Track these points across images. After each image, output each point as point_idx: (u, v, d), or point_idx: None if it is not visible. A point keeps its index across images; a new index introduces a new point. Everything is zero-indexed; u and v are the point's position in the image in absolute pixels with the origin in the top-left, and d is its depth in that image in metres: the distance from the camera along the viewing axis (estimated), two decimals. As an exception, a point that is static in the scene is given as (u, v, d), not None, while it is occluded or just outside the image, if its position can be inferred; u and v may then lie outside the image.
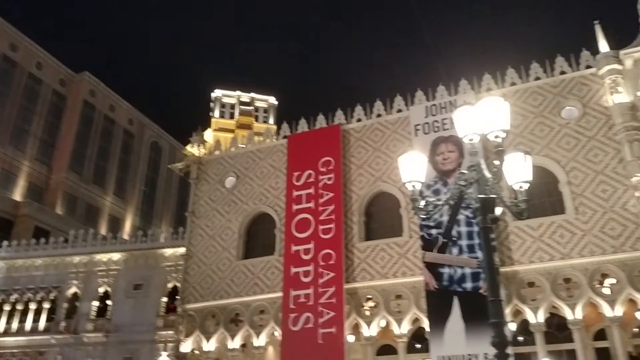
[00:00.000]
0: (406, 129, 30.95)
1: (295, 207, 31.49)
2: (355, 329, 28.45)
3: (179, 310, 32.80)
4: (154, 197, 72.96)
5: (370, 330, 27.83)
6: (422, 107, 30.82)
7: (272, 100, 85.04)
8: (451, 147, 28.14)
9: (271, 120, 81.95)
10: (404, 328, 27.22)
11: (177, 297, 34.47)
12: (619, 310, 23.63)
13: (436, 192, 26.18)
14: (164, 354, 34.34)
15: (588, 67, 28.15)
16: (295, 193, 31.83)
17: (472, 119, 8.25)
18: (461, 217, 26.29)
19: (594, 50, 28.16)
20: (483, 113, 8.05)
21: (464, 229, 26.20)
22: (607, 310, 23.81)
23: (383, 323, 27.90)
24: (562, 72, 28.78)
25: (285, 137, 34.86)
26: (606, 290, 24.18)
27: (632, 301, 23.82)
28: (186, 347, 31.42)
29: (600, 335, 25.06)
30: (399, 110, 32.16)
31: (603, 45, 27.76)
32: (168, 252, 37.44)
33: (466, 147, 8.71)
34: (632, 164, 24.94)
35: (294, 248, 30.42)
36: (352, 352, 27.98)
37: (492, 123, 7.93)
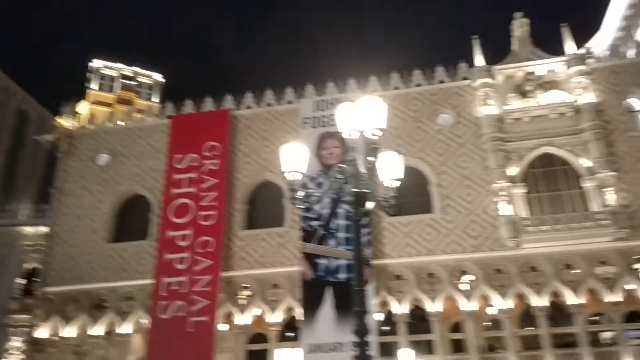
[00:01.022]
0: (295, 121, 31.21)
1: (174, 190, 30.38)
2: (228, 317, 28.21)
3: (37, 293, 30.21)
4: (16, 169, 66.32)
5: (243, 319, 27.77)
6: (311, 101, 31.26)
7: (158, 77, 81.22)
8: (336, 142, 28.86)
9: (155, 99, 78.15)
10: (277, 317, 27.53)
11: (35, 279, 31.71)
12: (474, 305, 25.90)
13: (319, 185, 26.72)
14: (16, 339, 31.45)
15: (464, 78, 30.39)
16: (176, 176, 30.71)
17: (352, 116, 8.47)
18: (341, 210, 27.13)
19: (471, 63, 30.44)
20: (362, 111, 8.29)
21: (342, 222, 27.04)
22: (463, 304, 25.99)
23: (257, 312, 27.97)
24: (441, 81, 30.81)
25: (169, 117, 33.46)
26: (464, 286, 26.37)
27: (485, 297, 26.22)
28: (42, 332, 29.05)
29: (456, 327, 27.28)
30: (290, 102, 32.35)
31: (479, 60, 30.11)
32: (28, 230, 34.27)
33: (346, 142, 8.93)
34: (495, 171, 27.39)
35: (169, 234, 29.34)
36: (223, 341, 27.71)
37: (370, 121, 8.19)
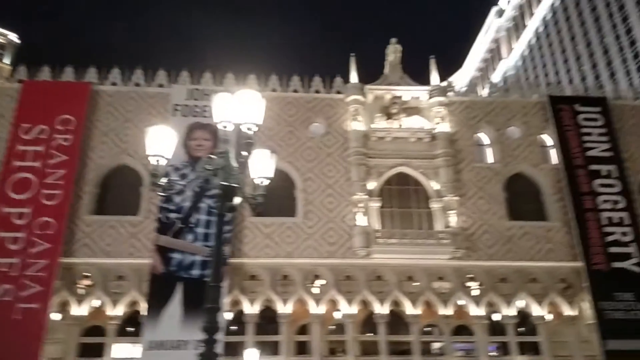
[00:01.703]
0: (165, 106, 29.81)
1: (16, 163, 27.23)
2: (64, 307, 25.88)
3: None
4: None
5: (80, 310, 25.67)
6: (185, 88, 30.12)
7: (13, 37, 72.68)
8: (207, 135, 28.11)
9: (7, 60, 69.77)
10: (118, 310, 25.87)
11: None
12: (322, 309, 26.75)
13: (183, 177, 25.68)
14: None
15: (339, 92, 31.51)
16: (20, 148, 27.57)
17: (229, 107, 8.25)
18: (203, 205, 26.37)
19: (347, 79, 31.65)
20: (240, 103, 8.13)
21: (203, 217, 26.30)
22: (312, 307, 26.72)
23: (97, 303, 26.04)
24: (317, 91, 31.62)
25: (20, 81, 29.99)
26: (315, 290, 27.12)
27: (333, 302, 27.23)
28: None
29: (303, 329, 27.92)
30: (161, 85, 30.87)
31: (353, 77, 31.44)
32: None
33: (220, 134, 8.67)
34: (356, 184, 28.70)
35: (4, 209, 26.19)
36: (54, 332, 25.31)
37: (247, 115, 8.06)
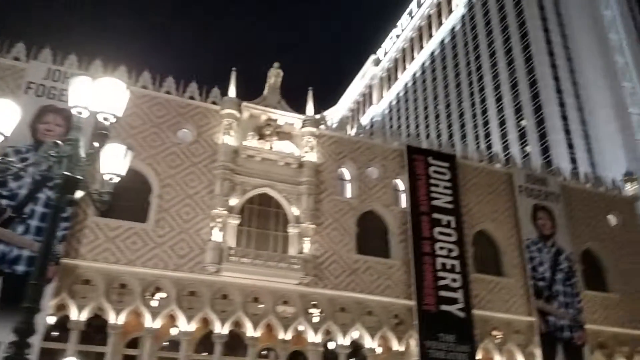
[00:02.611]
0: (16, 82, 26.85)
1: None
2: None
3: None
4: None
5: None
6: (45, 66, 27.45)
7: None
8: (60, 120, 25.77)
9: None
10: None
11: None
12: (158, 323, 25.43)
13: (24, 161, 23.12)
14: None
15: (214, 103, 30.97)
16: None
17: (87, 92, 7.63)
18: (42, 196, 23.96)
19: (225, 92, 31.26)
20: (101, 91, 7.56)
21: (40, 208, 23.84)
22: (148, 320, 25.28)
23: None
24: (191, 97, 30.77)
25: None
26: (154, 303, 25.75)
27: (172, 316, 26.08)
28: None
29: (133, 343, 26.25)
30: (17, 59, 27.82)
31: (232, 91, 31.18)
32: None
33: (73, 121, 7.95)
34: (218, 198, 28.16)
35: None
36: None
37: (106, 104, 7.50)
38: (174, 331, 26.36)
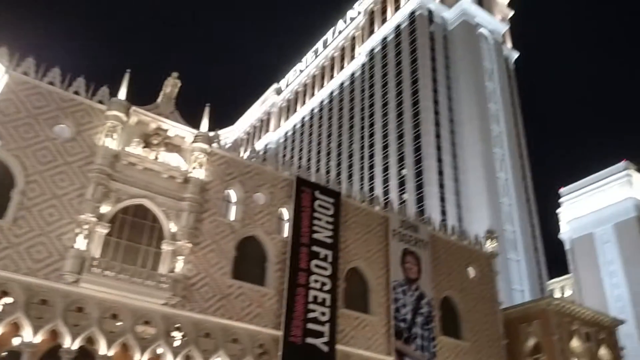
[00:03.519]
0: None
1: None
2: None
3: None
4: None
5: None
6: None
7: None
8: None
9: None
10: None
11: None
12: (-2, 331, 22.79)
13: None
14: None
15: (101, 102, 29.20)
16: None
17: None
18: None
19: (115, 92, 29.63)
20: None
21: None
22: (-15, 328, 22.54)
23: None
24: (76, 92, 28.79)
25: None
26: (-3, 308, 23.08)
27: (16, 325, 23.51)
28: None
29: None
30: None
31: (123, 93, 29.66)
32: None
33: None
34: (88, 203, 26.25)
35: None
36: None
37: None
38: (16, 341, 23.72)
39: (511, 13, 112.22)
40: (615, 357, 44.64)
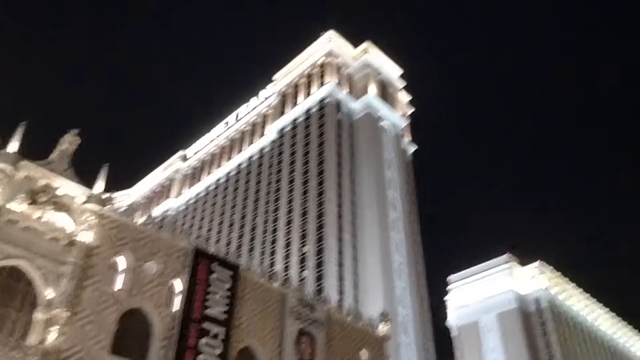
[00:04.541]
0: None
1: None
2: None
3: None
4: None
5: None
6: None
7: None
8: None
9: None
10: None
11: None
12: None
13: None
14: None
15: (-13, 152, 27.04)
16: None
17: None
18: None
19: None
20: None
21: None
22: None
23: None
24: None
25: None
26: None
27: None
28: None
29: None
30: None
31: (14, 145, 27.75)
32: None
33: None
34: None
35: None
36: None
37: None
38: None
39: (411, 110, 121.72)
40: None
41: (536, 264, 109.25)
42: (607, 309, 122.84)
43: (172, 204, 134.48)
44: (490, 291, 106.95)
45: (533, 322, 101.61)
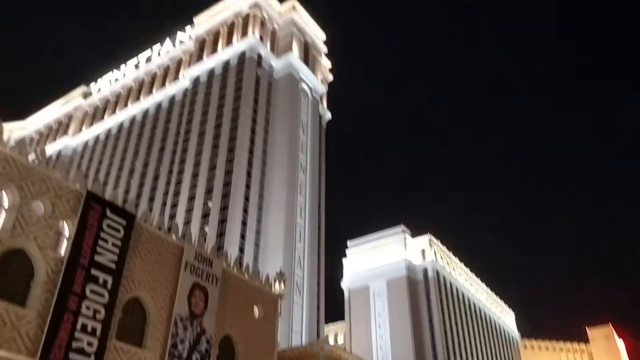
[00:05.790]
0: None
1: None
2: None
3: None
4: None
5: None
6: None
7: None
8: None
9: None
10: None
11: None
12: None
13: None
14: None
15: None
16: None
17: None
18: None
19: None
20: None
21: None
22: None
23: None
24: None
25: None
26: None
27: None
28: None
29: None
30: None
31: None
32: None
33: None
34: None
35: None
36: None
37: None
38: None
39: (331, 78, 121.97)
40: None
41: (426, 236, 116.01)
42: (484, 284, 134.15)
43: (68, 142, 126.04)
44: (383, 259, 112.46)
45: (419, 289, 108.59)
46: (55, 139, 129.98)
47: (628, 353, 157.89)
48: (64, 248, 30.04)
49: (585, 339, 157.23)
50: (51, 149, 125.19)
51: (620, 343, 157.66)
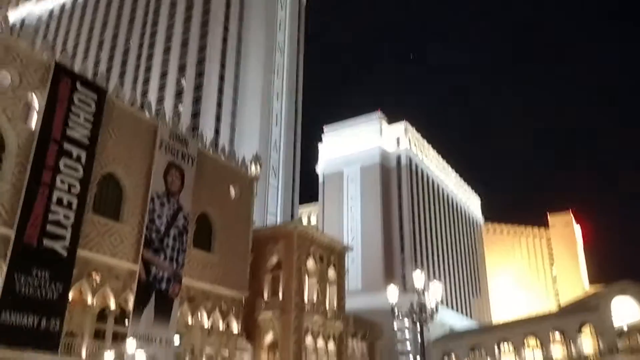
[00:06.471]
0: None
1: None
2: None
3: None
4: None
5: None
6: None
7: None
8: None
9: None
10: None
11: None
12: None
13: None
14: None
15: None
16: None
17: None
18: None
19: None
20: None
21: None
22: None
23: None
24: None
25: None
26: None
27: None
28: None
29: None
30: None
31: None
32: None
33: None
34: None
35: None
36: None
37: None
38: None
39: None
40: (339, 277, 51.92)
41: (402, 123, 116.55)
42: (453, 170, 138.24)
43: (32, 9, 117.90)
44: (358, 146, 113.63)
45: (391, 176, 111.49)
46: (17, 4, 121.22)
47: (583, 238, 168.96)
48: (34, 122, 29.25)
49: (546, 225, 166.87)
50: (14, 16, 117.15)
51: (577, 229, 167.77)
